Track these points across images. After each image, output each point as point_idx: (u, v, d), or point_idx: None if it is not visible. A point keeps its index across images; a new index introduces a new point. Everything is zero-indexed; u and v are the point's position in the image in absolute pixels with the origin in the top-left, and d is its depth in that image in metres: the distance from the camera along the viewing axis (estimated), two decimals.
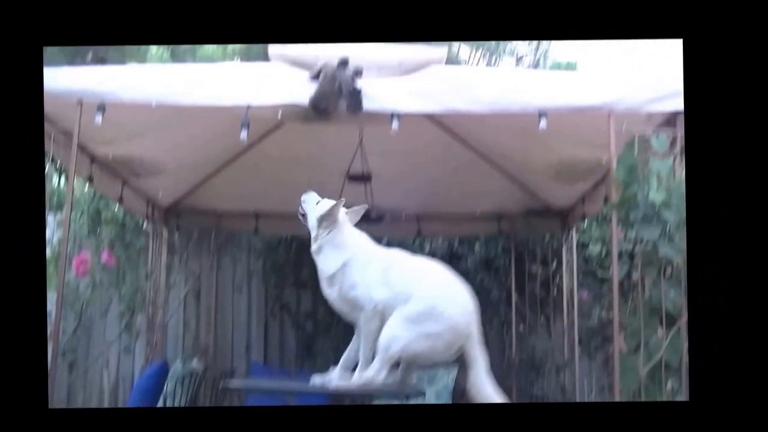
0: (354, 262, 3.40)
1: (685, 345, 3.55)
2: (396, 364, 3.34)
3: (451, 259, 6.38)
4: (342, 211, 3.49)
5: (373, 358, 3.27)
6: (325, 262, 3.44)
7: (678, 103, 3.59)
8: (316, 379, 3.37)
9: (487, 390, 3.29)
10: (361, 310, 3.34)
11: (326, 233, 3.44)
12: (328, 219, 3.43)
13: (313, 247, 3.48)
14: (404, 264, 3.46)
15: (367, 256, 3.44)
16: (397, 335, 3.23)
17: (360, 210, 3.62)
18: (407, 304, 3.26)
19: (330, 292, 3.44)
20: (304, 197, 3.56)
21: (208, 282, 6.40)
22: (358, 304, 3.35)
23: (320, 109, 3.49)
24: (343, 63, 3.48)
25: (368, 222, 4.37)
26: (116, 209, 6.26)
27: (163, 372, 4.94)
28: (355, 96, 3.47)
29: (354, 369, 3.32)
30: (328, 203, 3.47)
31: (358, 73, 3.49)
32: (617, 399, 3.54)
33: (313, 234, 3.48)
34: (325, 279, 3.45)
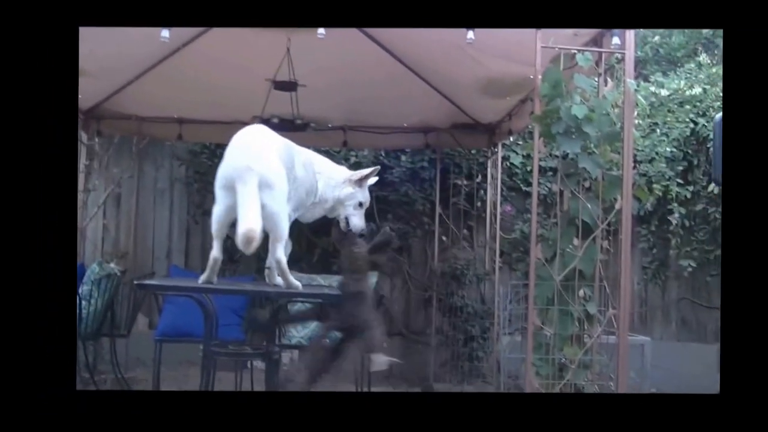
0: None
1: (598, 256, 3.70)
2: None
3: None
4: None
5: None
6: None
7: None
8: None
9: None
10: None
11: None
12: None
13: None
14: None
15: None
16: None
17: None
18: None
19: None
20: None
21: (128, 187, 6.28)
22: None
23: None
24: None
25: (292, 130, 4.35)
26: None
27: (79, 274, 4.86)
28: None
29: None
30: None
31: None
32: (532, 306, 3.67)
33: None
34: None
